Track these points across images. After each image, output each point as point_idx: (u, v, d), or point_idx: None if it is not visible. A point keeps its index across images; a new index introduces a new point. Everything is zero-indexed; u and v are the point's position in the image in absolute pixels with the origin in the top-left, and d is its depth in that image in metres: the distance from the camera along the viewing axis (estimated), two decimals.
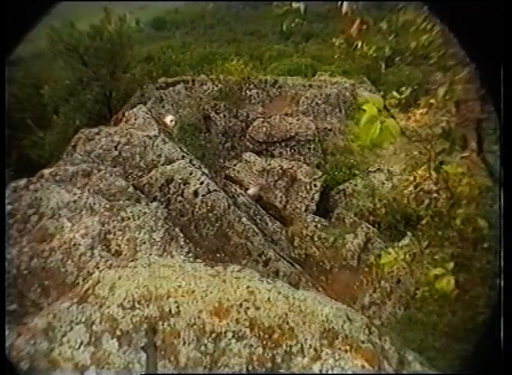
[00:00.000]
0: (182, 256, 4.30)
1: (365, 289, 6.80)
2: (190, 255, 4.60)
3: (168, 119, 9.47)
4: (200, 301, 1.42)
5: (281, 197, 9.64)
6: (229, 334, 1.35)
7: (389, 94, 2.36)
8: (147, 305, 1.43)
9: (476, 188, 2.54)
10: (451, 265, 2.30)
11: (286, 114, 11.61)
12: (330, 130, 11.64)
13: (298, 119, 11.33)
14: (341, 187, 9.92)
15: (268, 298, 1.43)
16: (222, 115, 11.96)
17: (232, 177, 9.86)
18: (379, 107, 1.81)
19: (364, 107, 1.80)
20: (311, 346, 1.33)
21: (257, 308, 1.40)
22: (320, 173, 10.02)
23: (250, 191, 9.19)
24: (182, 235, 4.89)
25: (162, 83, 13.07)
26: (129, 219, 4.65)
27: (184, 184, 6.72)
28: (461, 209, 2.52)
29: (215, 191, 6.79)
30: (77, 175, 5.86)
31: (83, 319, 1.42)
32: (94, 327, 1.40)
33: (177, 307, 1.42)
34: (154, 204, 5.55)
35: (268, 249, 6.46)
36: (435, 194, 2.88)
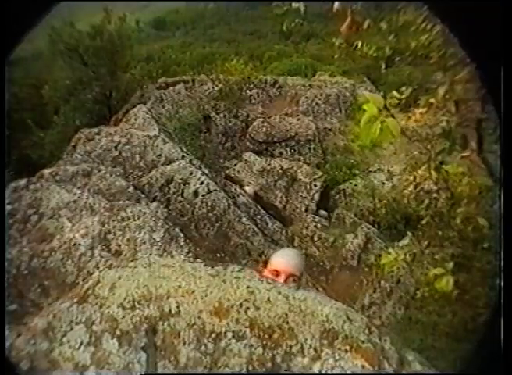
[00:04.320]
0: (182, 256, 4.30)
1: (365, 289, 6.80)
2: (190, 255, 4.60)
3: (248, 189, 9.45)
4: (200, 301, 1.41)
5: (281, 197, 9.64)
6: (229, 334, 1.35)
7: (389, 94, 2.35)
8: (147, 305, 1.43)
9: (476, 188, 2.54)
10: (450, 265, 2.31)
11: (286, 114, 11.61)
12: (330, 130, 11.64)
13: (298, 119, 11.33)
14: (341, 187, 9.92)
15: (268, 298, 1.42)
16: (222, 115, 11.96)
17: (232, 177, 9.86)
18: (380, 106, 1.81)
19: (365, 107, 1.80)
20: (311, 346, 1.33)
21: (257, 308, 1.40)
22: (320, 173, 10.02)
23: (246, 189, 9.22)
24: (182, 235, 4.89)
25: (162, 83, 13.07)
26: (129, 219, 4.65)
27: (184, 184, 6.72)
28: (461, 208, 2.53)
29: (215, 191, 6.79)
30: (77, 175, 5.85)
31: (83, 319, 1.42)
32: (94, 327, 1.39)
33: (177, 307, 1.41)
34: (154, 204, 5.55)
35: (268, 249, 6.46)
36: (435, 194, 2.89)
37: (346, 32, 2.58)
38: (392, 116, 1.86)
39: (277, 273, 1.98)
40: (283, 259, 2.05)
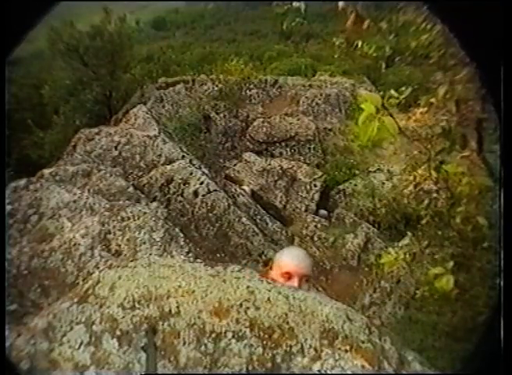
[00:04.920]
0: (182, 256, 4.30)
1: (365, 289, 6.81)
2: (190, 255, 4.60)
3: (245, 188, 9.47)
4: (200, 301, 1.41)
5: (281, 197, 9.64)
6: (229, 334, 1.35)
7: (387, 93, 2.34)
8: (147, 305, 1.43)
9: (476, 188, 2.54)
10: (450, 264, 2.30)
11: (286, 114, 11.61)
12: (330, 130, 11.64)
13: (298, 119, 11.33)
14: (341, 187, 9.92)
15: (268, 298, 1.42)
16: (222, 115, 11.96)
17: (232, 177, 9.86)
18: (377, 105, 1.80)
19: (362, 106, 1.80)
20: (311, 346, 1.33)
21: (257, 308, 1.40)
22: (320, 173, 10.03)
23: (244, 188, 9.25)
24: (182, 235, 4.89)
25: (162, 83, 13.09)
26: (129, 219, 4.65)
27: (184, 184, 6.73)
28: (461, 208, 2.53)
29: (215, 191, 6.80)
30: (77, 175, 5.86)
31: (83, 319, 1.42)
32: (94, 327, 1.39)
33: (177, 307, 1.41)
34: (154, 204, 5.55)
35: (268, 249, 6.46)
36: (435, 194, 2.88)
37: (351, 28, 2.57)
38: (391, 114, 1.86)
39: (289, 276, 1.87)
40: (294, 261, 1.93)
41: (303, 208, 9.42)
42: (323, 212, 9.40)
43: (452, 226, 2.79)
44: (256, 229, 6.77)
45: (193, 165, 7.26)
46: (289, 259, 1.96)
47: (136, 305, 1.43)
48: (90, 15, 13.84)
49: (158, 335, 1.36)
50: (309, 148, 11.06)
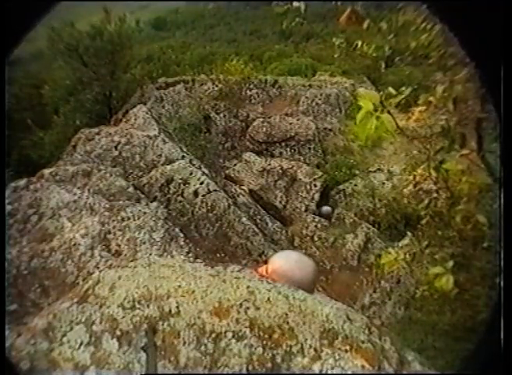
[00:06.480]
0: (182, 256, 4.30)
1: (365, 289, 6.81)
2: (190, 255, 4.60)
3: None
4: (200, 301, 1.41)
5: (281, 197, 9.64)
6: (229, 334, 1.35)
7: (386, 91, 2.32)
8: (147, 305, 1.43)
9: (476, 187, 2.54)
10: (450, 263, 2.30)
11: (286, 114, 11.61)
12: (330, 130, 11.64)
13: (298, 119, 11.33)
14: (341, 187, 9.92)
15: (268, 298, 1.42)
16: (222, 115, 11.96)
17: (232, 177, 9.86)
18: (375, 102, 1.80)
19: (360, 103, 1.79)
20: (311, 346, 1.33)
21: (257, 308, 1.40)
22: (320, 173, 10.02)
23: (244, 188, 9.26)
24: (182, 235, 4.89)
25: (162, 83, 13.08)
26: (129, 219, 4.65)
27: (184, 184, 6.72)
28: (461, 207, 2.52)
29: (215, 191, 6.79)
30: (77, 175, 5.86)
31: (83, 319, 1.42)
32: (94, 327, 1.39)
33: (177, 307, 1.41)
34: (154, 204, 5.55)
35: (268, 249, 6.46)
36: (434, 194, 2.88)
37: (345, 22, 2.57)
38: (389, 112, 1.85)
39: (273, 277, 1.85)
40: (285, 263, 1.73)
41: (303, 208, 9.42)
42: (327, 208, 9.33)
43: (452, 225, 2.79)
44: (256, 229, 6.76)
45: (193, 165, 7.26)
46: (283, 261, 1.79)
47: (136, 305, 1.43)
48: (90, 15, 13.84)
49: (158, 335, 1.36)
50: (309, 148, 11.06)
